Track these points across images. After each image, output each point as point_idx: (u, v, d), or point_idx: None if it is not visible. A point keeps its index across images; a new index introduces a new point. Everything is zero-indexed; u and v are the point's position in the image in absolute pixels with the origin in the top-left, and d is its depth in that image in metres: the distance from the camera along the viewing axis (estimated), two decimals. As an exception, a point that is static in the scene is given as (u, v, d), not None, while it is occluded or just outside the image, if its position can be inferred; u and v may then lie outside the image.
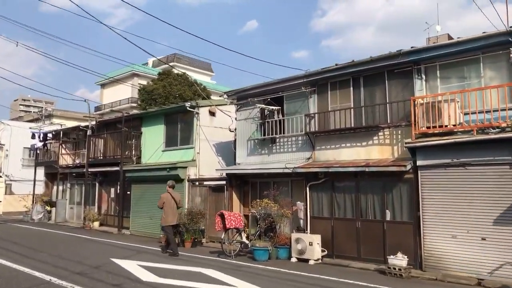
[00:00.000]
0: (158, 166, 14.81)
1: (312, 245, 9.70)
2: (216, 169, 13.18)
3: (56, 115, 46.75)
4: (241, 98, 13.19)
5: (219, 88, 40.32)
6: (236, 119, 13.62)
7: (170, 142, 15.70)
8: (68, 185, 20.03)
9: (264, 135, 12.24)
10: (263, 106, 12.13)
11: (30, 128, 22.31)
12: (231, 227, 9.98)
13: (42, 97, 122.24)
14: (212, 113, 15.32)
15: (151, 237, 14.64)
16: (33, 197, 21.39)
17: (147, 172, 15.20)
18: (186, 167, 14.28)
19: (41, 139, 20.48)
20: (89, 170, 17.71)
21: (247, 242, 10.32)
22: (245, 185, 12.97)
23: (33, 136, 20.58)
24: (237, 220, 10.06)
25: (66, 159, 19.85)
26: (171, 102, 29.15)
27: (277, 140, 12.11)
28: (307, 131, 11.04)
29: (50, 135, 21.39)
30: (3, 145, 26.21)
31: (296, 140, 11.73)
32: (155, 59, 54.22)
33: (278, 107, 12.08)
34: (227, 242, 10.22)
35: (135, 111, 17.32)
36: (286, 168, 10.71)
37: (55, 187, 21.69)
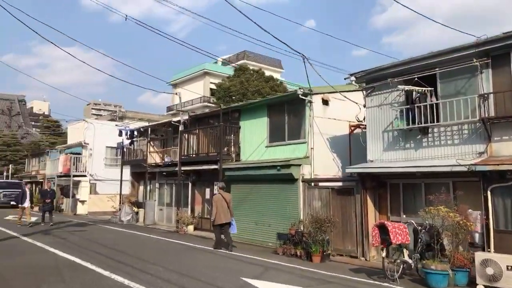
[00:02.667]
0: (265, 163, 12.84)
1: (510, 270, 7.10)
2: (347, 168, 10.86)
3: (128, 116, 47.22)
4: (373, 80, 10.80)
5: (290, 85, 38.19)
6: (365, 106, 11.24)
7: (275, 136, 13.69)
8: (157, 185, 18.81)
9: (411, 124, 9.75)
10: (411, 87, 9.65)
11: (116, 125, 21.55)
12: (397, 242, 7.63)
13: (111, 101, 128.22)
14: (325, 102, 13.08)
15: (258, 245, 12.74)
16: (120, 198, 20.55)
17: (252, 171, 13.30)
18: (300, 165, 12.18)
19: (128, 136, 19.50)
20: (182, 168, 16.26)
21: (410, 261, 7.92)
22: (380, 187, 10.58)
23: (120, 133, 19.68)
24: (403, 233, 7.70)
25: (154, 158, 18.66)
26: (248, 98, 27.52)
27: (430, 130, 9.56)
28: (483, 117, 8.40)
29: (135, 132, 20.37)
30: (87, 144, 25.94)
31: (459, 130, 9.12)
32: (225, 57, 53.43)
33: (430, 88, 9.55)
34: (387, 261, 7.90)
35: (233, 105, 15.56)
36: (461, 165, 8.16)
37: (141, 187, 20.69)
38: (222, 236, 11.28)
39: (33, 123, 67.73)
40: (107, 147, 26.54)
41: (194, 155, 16.24)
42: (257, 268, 8.70)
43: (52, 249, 10.34)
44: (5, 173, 38.52)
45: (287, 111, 13.41)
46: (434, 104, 9.40)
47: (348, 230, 10.85)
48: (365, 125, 11.29)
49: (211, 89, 43.42)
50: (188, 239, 13.68)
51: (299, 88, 12.49)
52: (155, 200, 18.77)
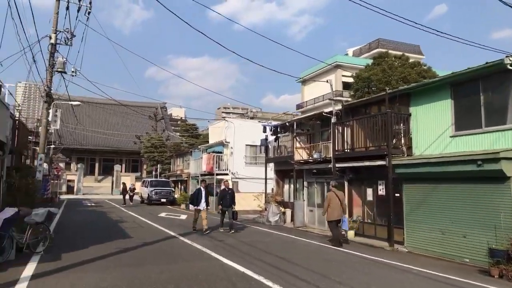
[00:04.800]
0: (456, 158, 10.03)
1: None
2: None
3: (258, 116, 47.38)
4: None
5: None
6: None
7: (466, 123, 10.74)
8: (305, 183, 17.23)
9: None
10: None
11: (259, 121, 20.75)
12: None
13: (239, 104, 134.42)
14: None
15: (447, 260, 10.04)
16: (265, 197, 19.60)
17: (435, 167, 10.59)
18: (512, 158, 9.10)
19: (272, 132, 18.38)
20: (336, 165, 14.31)
21: None
22: None
23: (264, 130, 18.71)
24: None
25: (301, 154, 17.13)
26: (393, 87, 24.33)
27: None
28: None
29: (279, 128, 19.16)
30: (228, 142, 25.96)
31: None
32: (355, 48, 50.03)
33: None
34: None
35: (401, 88, 12.97)
36: None
37: (286, 186, 19.43)
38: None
39: (173, 127, 73.98)
40: (246, 145, 26.24)
41: (349, 150, 14.16)
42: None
43: (214, 254, 9.36)
44: (153, 172, 41.93)
45: (483, 90, 10.36)
46: None
47: None
48: None
49: (343, 82, 40.71)
50: (353, 248, 11.63)
51: (506, 57, 9.39)
52: (304, 200, 17.21)
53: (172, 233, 13.09)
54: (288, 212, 18.21)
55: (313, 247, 11.51)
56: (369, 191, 13.69)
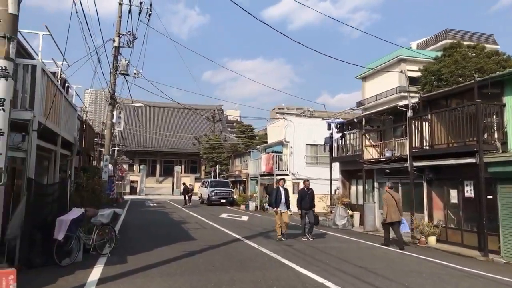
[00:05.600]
0: None
1: None
2: None
3: (315, 116, 46.06)
4: None
5: None
6: None
7: None
8: (375, 184, 15.94)
9: None
10: None
11: (323, 118, 19.71)
12: None
13: (294, 104, 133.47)
14: None
15: None
16: (331, 198, 18.51)
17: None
18: None
19: (338, 129, 17.27)
20: (413, 164, 12.95)
21: None
22: None
23: (328, 127, 17.66)
24: None
25: (370, 152, 15.87)
26: (469, 79, 22.12)
27: None
28: None
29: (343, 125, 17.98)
30: (288, 142, 25.13)
31: None
32: (420, 41, 47.09)
33: None
34: None
35: (492, 74, 11.38)
36: None
37: (353, 187, 18.20)
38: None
39: (229, 129, 74.58)
40: (307, 144, 25.25)
41: (428, 147, 12.74)
42: None
43: (286, 261, 8.55)
44: (212, 173, 42.18)
45: None
46: None
47: None
48: None
49: (408, 77, 38.20)
50: (438, 256, 10.28)
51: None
52: (374, 203, 15.91)
53: (237, 236, 12.49)
54: (356, 215, 16.99)
55: (393, 255, 10.31)
56: (453, 193, 12.18)
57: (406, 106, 13.50)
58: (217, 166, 41.46)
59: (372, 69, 34.42)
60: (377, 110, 16.49)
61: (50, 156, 10.72)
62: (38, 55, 9.53)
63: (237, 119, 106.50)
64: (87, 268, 7.47)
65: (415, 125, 13.23)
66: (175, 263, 8.15)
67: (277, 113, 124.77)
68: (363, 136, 16.06)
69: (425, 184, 13.09)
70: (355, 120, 16.70)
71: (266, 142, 33.57)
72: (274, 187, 13.27)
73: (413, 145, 13.10)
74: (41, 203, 8.41)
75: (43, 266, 7.51)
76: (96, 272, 7.20)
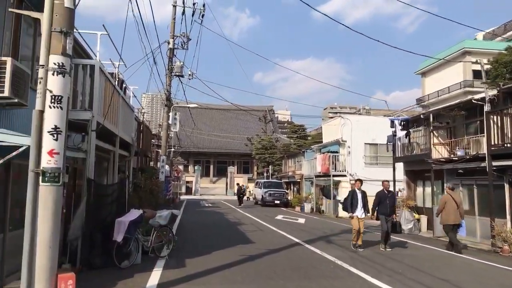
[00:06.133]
0: None
1: None
2: None
3: (367, 114, 44.26)
4: None
5: None
6: None
7: None
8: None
9: None
10: None
11: (384, 115, 18.55)
12: None
13: (346, 103, 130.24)
14: None
15: None
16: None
17: None
18: None
19: (402, 126, 16.08)
20: (493, 164, 11.59)
21: None
22: None
23: (391, 124, 16.50)
24: None
25: (439, 151, 14.58)
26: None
27: None
28: None
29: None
30: (345, 141, 24.05)
31: None
32: (487, 31, 43.78)
33: None
34: None
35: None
36: None
37: (419, 189, 16.89)
38: None
39: (280, 130, 74.03)
40: (365, 143, 24.00)
41: (510, 145, 11.32)
42: None
43: (354, 270, 7.80)
44: (265, 174, 41.82)
45: None
46: None
47: None
48: None
49: (474, 70, 35.46)
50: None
51: None
52: (444, 206, 14.55)
53: (296, 239, 11.87)
54: (424, 219, 15.71)
55: (476, 266, 9.15)
56: (543, 196, 10.72)
57: (483, 99, 12.15)
58: (269, 166, 41.04)
59: (439, 59, 32.16)
60: (446, 105, 15.08)
61: (109, 157, 10.77)
62: (96, 56, 9.54)
63: (287, 120, 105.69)
64: (146, 272, 7.25)
65: (494, 120, 11.86)
66: (235, 268, 7.71)
67: (329, 112, 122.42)
68: (431, 133, 14.78)
69: (507, 186, 11.66)
70: (421, 116, 15.42)
71: (319, 142, 32.57)
72: (350, 190, 11.35)
73: (492, 143, 11.74)
74: (101, 203, 8.36)
75: (103, 267, 7.39)
76: (155, 276, 6.93)
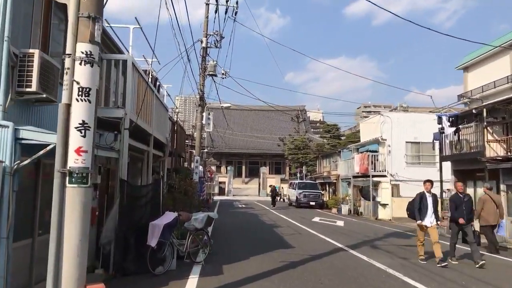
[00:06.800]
0: None
1: None
2: None
3: (404, 112, 42.49)
4: None
5: None
6: None
7: None
8: (502, 187, 13.35)
9: None
10: None
11: (431, 111, 17.43)
12: None
13: (381, 102, 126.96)
14: None
15: None
16: (442, 203, 16.12)
17: None
18: None
19: (450, 123, 14.94)
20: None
21: None
22: None
23: (439, 121, 15.38)
24: None
25: (494, 149, 13.37)
26: None
27: None
28: None
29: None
30: (385, 140, 22.92)
31: None
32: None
33: None
34: None
35: None
36: None
37: (469, 190, 15.60)
38: None
39: (312, 130, 72.84)
40: (407, 142, 22.78)
41: None
42: None
43: (408, 280, 7.02)
44: (298, 174, 40.98)
45: None
46: None
47: None
48: None
49: (522, 63, 33.04)
50: None
51: None
52: (502, 209, 13.34)
53: (338, 244, 11.09)
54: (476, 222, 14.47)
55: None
56: None
57: (548, 90, 10.92)
58: (303, 167, 40.17)
59: (495, 47, 30.28)
60: (502, 98, 13.81)
61: (143, 157, 10.42)
62: (128, 51, 9.19)
63: (319, 119, 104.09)
64: (181, 279, 6.76)
65: (560, 114, 10.64)
66: (276, 277, 7.08)
67: (363, 111, 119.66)
68: (485, 129, 13.59)
69: None
70: (473, 111, 14.20)
71: (354, 142, 31.44)
72: (417, 193, 9.31)
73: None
74: (134, 205, 7.95)
75: (136, 273, 6.96)
76: (191, 285, 6.43)
